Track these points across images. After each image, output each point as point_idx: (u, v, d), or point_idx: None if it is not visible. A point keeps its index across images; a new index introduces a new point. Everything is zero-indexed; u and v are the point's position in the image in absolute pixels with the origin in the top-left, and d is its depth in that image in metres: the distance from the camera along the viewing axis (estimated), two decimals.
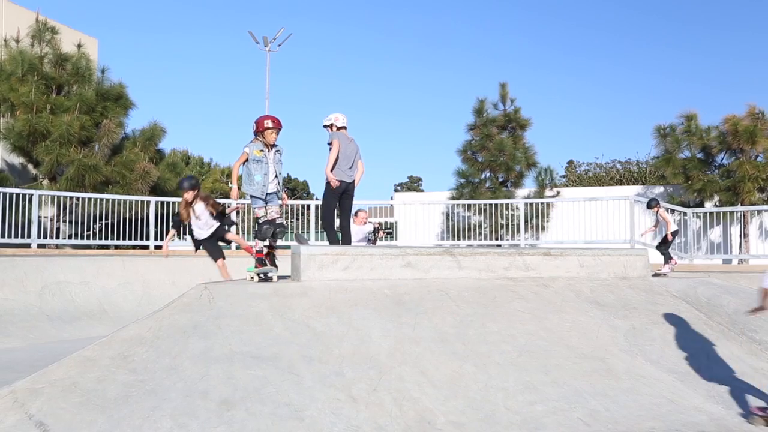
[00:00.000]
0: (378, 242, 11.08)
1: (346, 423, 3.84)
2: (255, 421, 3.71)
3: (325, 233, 7.22)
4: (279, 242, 6.48)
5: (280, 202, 6.24)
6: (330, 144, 6.93)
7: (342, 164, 6.95)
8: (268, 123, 6.01)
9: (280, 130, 6.08)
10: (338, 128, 7.11)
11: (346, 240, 7.17)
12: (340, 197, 7.04)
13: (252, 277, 5.95)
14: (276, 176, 6.13)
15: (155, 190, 15.12)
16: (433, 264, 5.97)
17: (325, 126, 7.23)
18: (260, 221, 6.04)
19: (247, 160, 6.01)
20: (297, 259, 5.67)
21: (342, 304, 5.13)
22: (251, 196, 6.04)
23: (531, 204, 15.22)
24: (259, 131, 6.02)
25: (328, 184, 6.97)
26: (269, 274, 5.91)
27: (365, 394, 4.11)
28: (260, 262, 5.99)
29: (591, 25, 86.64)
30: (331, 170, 6.88)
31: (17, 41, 14.92)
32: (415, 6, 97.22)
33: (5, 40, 14.92)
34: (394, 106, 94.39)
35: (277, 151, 6.14)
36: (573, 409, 4.27)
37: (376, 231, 10.12)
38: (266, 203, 6.10)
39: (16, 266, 9.84)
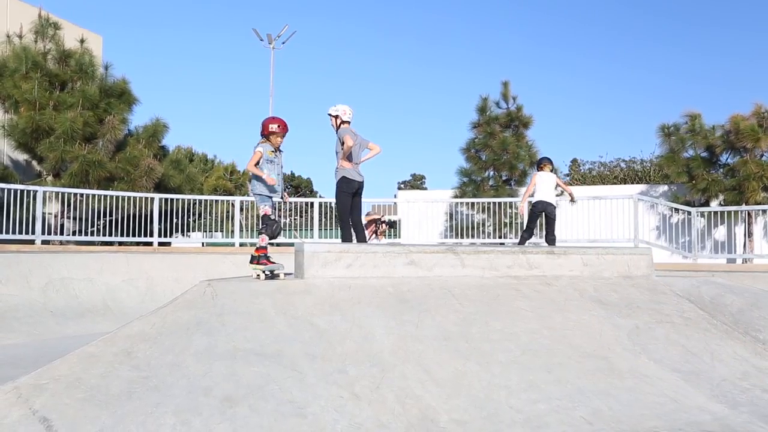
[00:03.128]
0: (381, 235, 11.08)
1: (349, 420, 3.84)
2: (258, 418, 3.72)
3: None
4: (282, 239, 6.56)
5: (280, 200, 6.34)
6: (341, 140, 6.92)
7: (353, 162, 7.01)
8: (274, 127, 6.03)
9: (285, 133, 6.12)
10: (343, 122, 7.10)
11: (360, 237, 7.20)
12: (352, 196, 7.08)
13: (258, 275, 5.91)
14: (281, 176, 6.25)
15: (159, 187, 15.15)
16: (437, 262, 5.96)
17: (330, 114, 7.20)
18: (271, 217, 6.03)
19: (260, 159, 6.02)
20: (300, 257, 5.67)
21: (345, 301, 5.14)
22: (258, 195, 6.06)
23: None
24: (265, 134, 6.06)
25: (341, 183, 7.00)
26: (276, 272, 5.89)
27: (368, 392, 4.11)
28: (266, 258, 5.94)
29: (595, 24, 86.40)
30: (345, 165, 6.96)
31: (20, 37, 14.94)
32: (418, 4, 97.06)
33: (8, 36, 14.95)
34: (398, 104, 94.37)
35: (281, 152, 6.25)
36: (576, 407, 4.26)
37: (378, 222, 10.13)
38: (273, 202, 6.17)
39: (20, 262, 9.87)
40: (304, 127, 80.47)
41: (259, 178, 5.97)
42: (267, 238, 5.98)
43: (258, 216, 6.24)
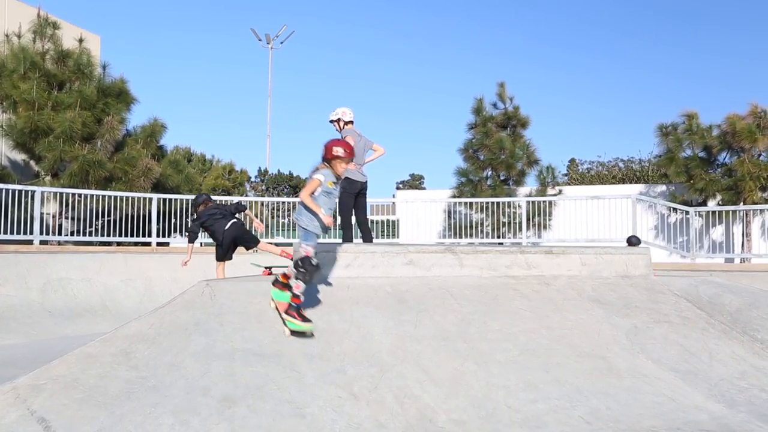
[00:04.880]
0: None
1: (347, 420, 3.84)
2: (256, 418, 3.72)
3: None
4: (281, 239, 6.46)
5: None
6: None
7: (355, 163, 7.03)
8: (339, 151, 4.80)
9: (351, 160, 4.98)
10: (345, 123, 7.16)
11: (366, 237, 7.20)
12: (355, 196, 7.10)
13: (284, 322, 4.68)
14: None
15: (157, 187, 15.15)
16: (435, 262, 5.96)
17: (331, 121, 7.27)
18: (313, 262, 4.69)
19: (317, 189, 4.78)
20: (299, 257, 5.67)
21: (343, 301, 5.14)
22: (304, 229, 4.73)
23: (533, 202, 15.21)
24: (327, 159, 4.83)
25: (343, 184, 7.00)
26: (307, 333, 4.64)
27: (366, 392, 4.12)
28: (297, 311, 4.64)
29: (593, 23, 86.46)
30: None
31: (19, 37, 14.93)
32: (416, 4, 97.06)
33: (7, 36, 14.94)
34: (396, 104, 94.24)
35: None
36: (574, 407, 4.27)
37: None
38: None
39: (18, 262, 9.86)
40: (302, 127, 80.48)
41: (311, 211, 4.67)
42: (303, 285, 4.72)
43: (299, 258, 4.77)
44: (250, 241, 8.44)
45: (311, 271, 4.69)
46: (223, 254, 8.28)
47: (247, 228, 8.50)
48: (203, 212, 8.39)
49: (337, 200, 5.08)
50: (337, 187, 4.90)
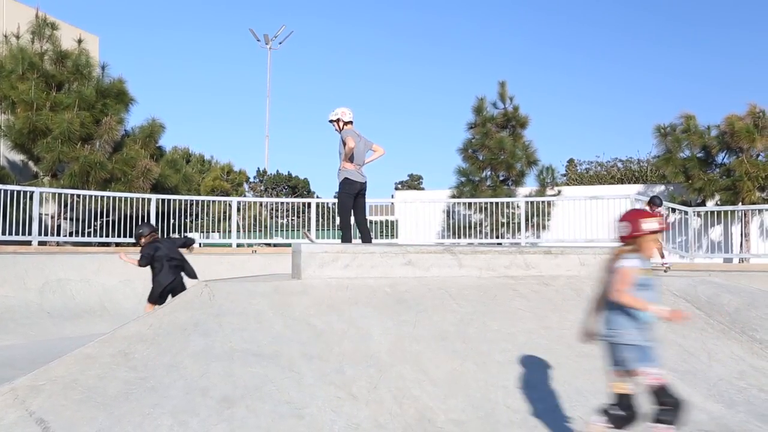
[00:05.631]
0: None
1: (347, 421, 3.84)
2: (255, 419, 3.72)
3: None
4: (280, 240, 6.43)
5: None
6: (344, 141, 6.98)
7: (355, 163, 7.06)
8: (652, 225, 3.34)
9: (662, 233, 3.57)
10: (345, 123, 7.18)
11: (365, 237, 7.22)
12: (355, 197, 7.12)
13: None
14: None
15: (156, 188, 15.14)
16: (434, 262, 5.96)
17: (331, 121, 7.29)
18: (672, 390, 3.41)
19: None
20: (298, 257, 5.67)
21: (342, 302, 5.14)
22: (632, 345, 3.43)
23: (532, 202, 15.22)
24: (634, 237, 3.37)
25: (343, 185, 7.04)
26: None
27: (365, 392, 4.12)
28: None
29: (593, 23, 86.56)
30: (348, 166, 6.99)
31: (17, 37, 14.91)
32: (415, 4, 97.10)
33: (5, 36, 14.92)
34: (395, 104, 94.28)
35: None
36: (573, 407, 4.27)
37: None
38: None
39: (17, 263, 9.86)
40: (301, 128, 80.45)
41: (631, 314, 3.38)
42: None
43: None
44: (180, 291, 7.73)
45: (678, 405, 3.26)
46: (156, 300, 7.73)
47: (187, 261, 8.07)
48: (150, 245, 7.96)
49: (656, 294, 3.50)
50: (651, 276, 3.44)
